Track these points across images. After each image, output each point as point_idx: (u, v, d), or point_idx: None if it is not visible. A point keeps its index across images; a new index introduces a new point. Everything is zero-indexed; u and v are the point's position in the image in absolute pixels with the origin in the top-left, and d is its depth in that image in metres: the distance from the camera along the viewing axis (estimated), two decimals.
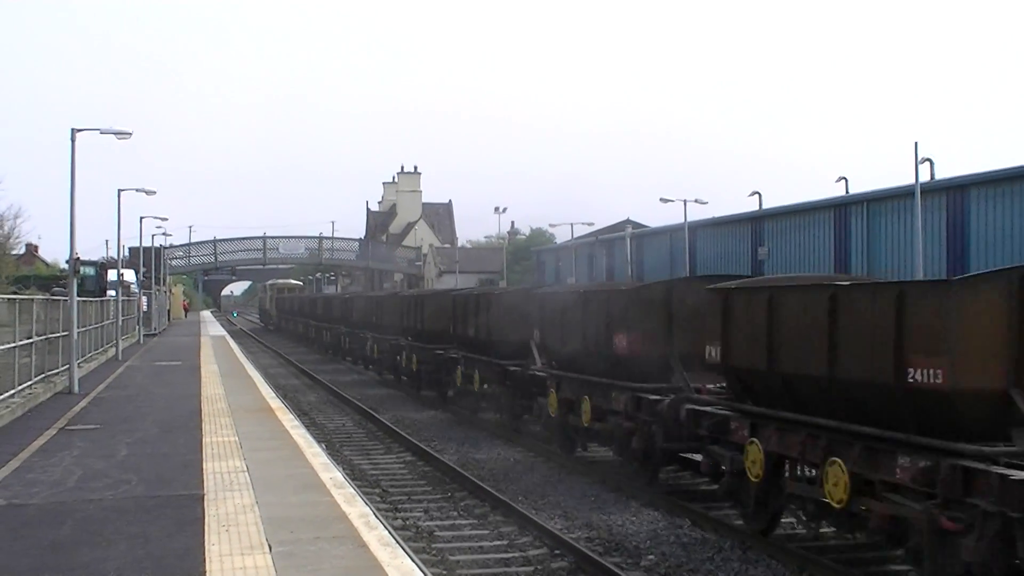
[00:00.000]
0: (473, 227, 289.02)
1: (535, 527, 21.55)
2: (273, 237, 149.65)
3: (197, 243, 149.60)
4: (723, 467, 21.19)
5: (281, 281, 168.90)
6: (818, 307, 17.95)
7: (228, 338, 79.71)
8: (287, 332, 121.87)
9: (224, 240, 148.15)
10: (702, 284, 23.43)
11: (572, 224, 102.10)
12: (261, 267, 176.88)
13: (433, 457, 30.14)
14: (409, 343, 48.86)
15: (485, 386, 36.63)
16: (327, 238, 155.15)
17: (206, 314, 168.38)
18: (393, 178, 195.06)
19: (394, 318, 54.78)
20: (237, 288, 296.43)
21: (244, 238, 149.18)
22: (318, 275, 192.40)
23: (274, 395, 34.91)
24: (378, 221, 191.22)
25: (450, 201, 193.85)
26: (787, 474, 19.64)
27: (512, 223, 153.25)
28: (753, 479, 20.05)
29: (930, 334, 15.72)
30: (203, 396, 34.22)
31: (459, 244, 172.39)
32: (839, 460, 17.54)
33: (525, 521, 22.11)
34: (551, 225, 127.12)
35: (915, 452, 16.18)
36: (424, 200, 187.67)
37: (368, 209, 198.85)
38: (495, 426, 35.63)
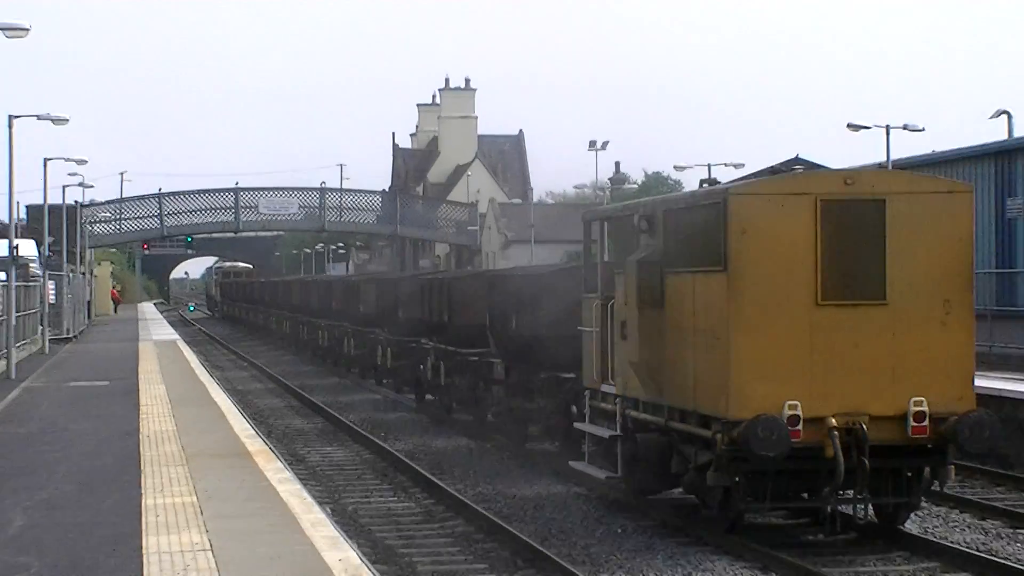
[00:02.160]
0: (556, 173, 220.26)
1: None
2: (251, 189, 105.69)
3: (134, 199, 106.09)
4: None
5: (228, 264, 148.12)
6: None
7: (181, 344, 59.47)
8: (239, 322, 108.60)
9: (175, 195, 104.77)
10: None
11: (709, 166, 65.84)
12: (233, 235, 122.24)
13: (502, 529, 20.78)
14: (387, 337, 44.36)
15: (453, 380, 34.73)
16: (332, 190, 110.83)
17: (147, 307, 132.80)
18: (433, 98, 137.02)
19: (369, 306, 49.34)
20: (195, 268, 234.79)
21: (206, 191, 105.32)
22: (319, 247, 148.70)
23: (252, 429, 25.96)
24: (411, 164, 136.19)
25: (520, 133, 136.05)
26: None
27: (617, 166, 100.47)
28: None
29: None
30: (144, 434, 24.57)
31: (534, 199, 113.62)
32: None
33: None
34: (677, 168, 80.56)
35: None
36: (481, 131, 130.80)
37: (395, 147, 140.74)
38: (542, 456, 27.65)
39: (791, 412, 18.47)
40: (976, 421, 18.71)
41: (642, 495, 22.11)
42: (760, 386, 18.51)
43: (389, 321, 44.17)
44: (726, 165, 65.66)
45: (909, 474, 19.49)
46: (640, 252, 20.86)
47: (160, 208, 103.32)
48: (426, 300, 37.51)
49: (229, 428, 25.86)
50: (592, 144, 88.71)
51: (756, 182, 19.61)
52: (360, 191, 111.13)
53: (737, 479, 18.97)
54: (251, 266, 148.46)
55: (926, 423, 18.76)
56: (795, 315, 18.67)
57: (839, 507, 19.28)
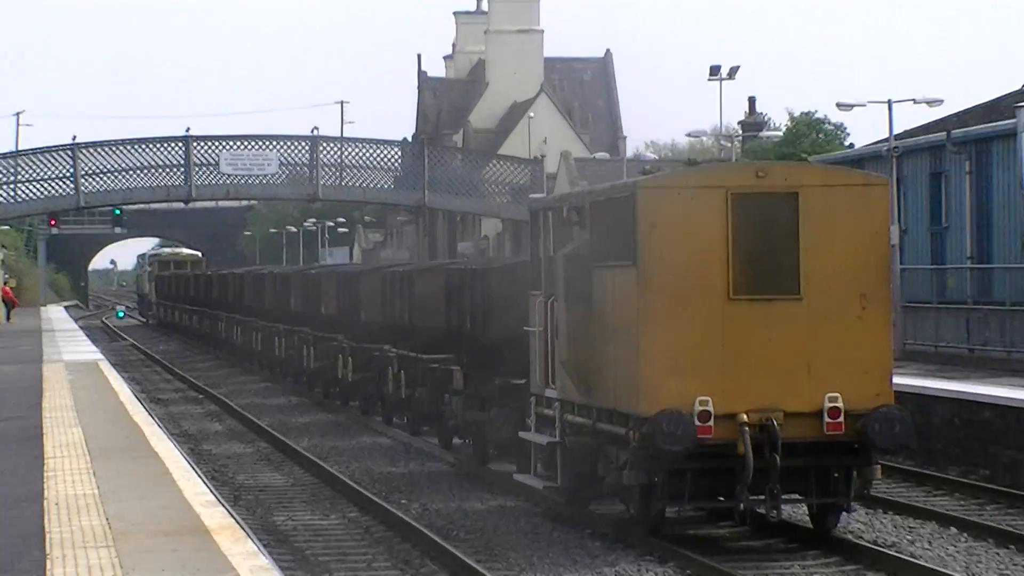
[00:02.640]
0: (660, 114, 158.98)
1: None
2: (208, 139, 72.80)
3: (35, 152, 71.98)
4: None
5: (167, 251, 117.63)
6: None
7: (106, 367, 43.07)
8: (182, 332, 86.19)
9: (98, 146, 71.64)
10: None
11: (890, 102, 43.13)
12: (184, 206, 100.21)
13: None
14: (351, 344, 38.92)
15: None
16: (329, 140, 75.88)
17: (56, 312, 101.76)
18: (478, 3, 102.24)
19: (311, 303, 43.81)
20: (125, 255, 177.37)
21: (143, 141, 72.02)
22: (310, 224, 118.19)
23: (211, 492, 18.35)
24: (445, 102, 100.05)
25: (607, 55, 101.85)
26: None
27: (751, 103, 74.42)
28: None
29: None
30: (51, 500, 17.04)
31: (628, 152, 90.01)
32: None
33: None
34: (841, 107, 48.22)
35: None
36: (550, 53, 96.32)
37: (422, 76, 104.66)
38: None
39: (702, 408, 18.31)
40: (886, 416, 18.47)
41: (576, 503, 21.82)
42: (670, 381, 18.36)
43: (351, 324, 39.31)
44: (915, 102, 45.60)
45: (836, 474, 19.19)
46: (569, 246, 20.69)
47: (74, 166, 70.03)
48: (388, 298, 34.42)
49: (177, 491, 17.68)
50: (714, 71, 61.06)
51: (666, 175, 19.54)
52: (370, 141, 76.24)
53: (656, 479, 18.75)
54: (199, 253, 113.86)
55: (841, 419, 18.50)
56: (706, 310, 18.55)
57: (754, 507, 18.97)
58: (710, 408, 18.28)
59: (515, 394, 24.97)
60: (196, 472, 21.22)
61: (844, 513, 19.91)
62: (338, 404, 41.83)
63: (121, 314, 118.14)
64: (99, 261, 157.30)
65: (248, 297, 60.16)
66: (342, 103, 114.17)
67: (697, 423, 18.24)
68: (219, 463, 30.59)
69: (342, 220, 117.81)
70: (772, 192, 18.74)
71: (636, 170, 64.57)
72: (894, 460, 25.55)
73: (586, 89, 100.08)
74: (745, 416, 18.32)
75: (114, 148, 72.71)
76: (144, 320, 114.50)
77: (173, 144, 72.86)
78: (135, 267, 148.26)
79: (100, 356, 49.42)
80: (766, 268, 18.64)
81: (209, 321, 74.07)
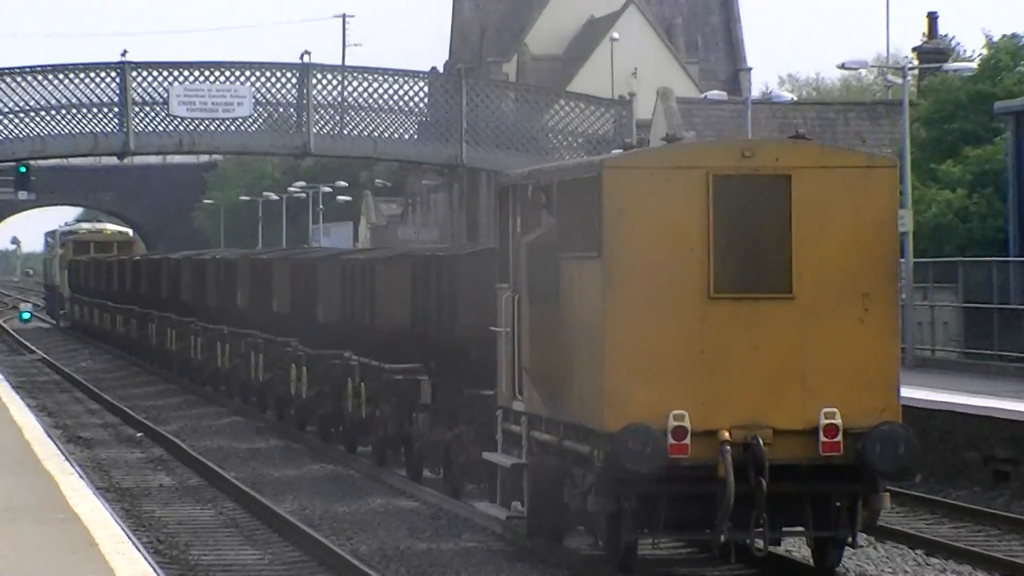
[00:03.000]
0: (796, 40, 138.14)
1: None
2: (152, 65, 54.96)
3: None
4: None
5: (85, 228, 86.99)
6: None
7: (4, 390, 34.87)
8: (103, 336, 67.98)
9: None
10: None
11: None
12: (118, 164, 74.73)
13: None
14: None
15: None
16: (326, 69, 57.33)
17: None
18: None
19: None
20: (33, 232, 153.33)
21: (59, 69, 53.42)
22: (298, 190, 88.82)
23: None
24: (491, 17, 76.46)
25: None
26: None
27: (930, 24, 58.28)
28: None
29: None
30: None
31: (752, 91, 67.27)
32: None
33: None
34: None
35: None
36: None
37: None
38: None
39: (676, 423, 15.98)
40: (888, 435, 16.10)
41: (541, 535, 19.21)
42: (639, 392, 16.08)
43: (306, 326, 33.28)
44: None
45: (838, 503, 16.76)
46: (534, 233, 18.28)
47: None
48: (347, 292, 29.55)
49: (108, 571, 12.10)
50: None
51: (638, 153, 17.13)
52: (383, 71, 57.06)
53: (625, 506, 16.37)
54: (129, 231, 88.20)
55: (839, 439, 16.11)
56: (683, 310, 16.25)
57: (739, 539, 16.55)
58: (686, 424, 16.00)
59: (485, 408, 22.24)
60: (135, 544, 14.96)
61: (849, 548, 17.45)
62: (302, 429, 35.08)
63: (27, 315, 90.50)
64: None
65: (186, 291, 47.43)
66: (344, 17, 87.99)
67: (671, 440, 15.96)
68: (167, 531, 22.20)
69: (343, 184, 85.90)
70: (760, 174, 16.44)
71: (763, 117, 52.51)
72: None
73: (694, 0, 73.09)
74: (727, 433, 16.01)
75: (19, 80, 51.78)
76: (55, 322, 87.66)
77: (103, 74, 52.73)
78: (44, 249, 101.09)
79: None
80: (753, 262, 16.41)
81: (137, 324, 57.84)
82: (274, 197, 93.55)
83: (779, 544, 17.76)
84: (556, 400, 17.67)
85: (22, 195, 69.82)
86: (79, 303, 76.62)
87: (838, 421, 16.06)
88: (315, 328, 32.52)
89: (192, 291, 46.74)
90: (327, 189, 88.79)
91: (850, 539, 16.85)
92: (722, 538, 16.30)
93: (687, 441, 15.92)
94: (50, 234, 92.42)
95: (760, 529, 16.18)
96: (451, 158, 56.85)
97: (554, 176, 18.31)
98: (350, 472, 29.18)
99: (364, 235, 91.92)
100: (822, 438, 16.06)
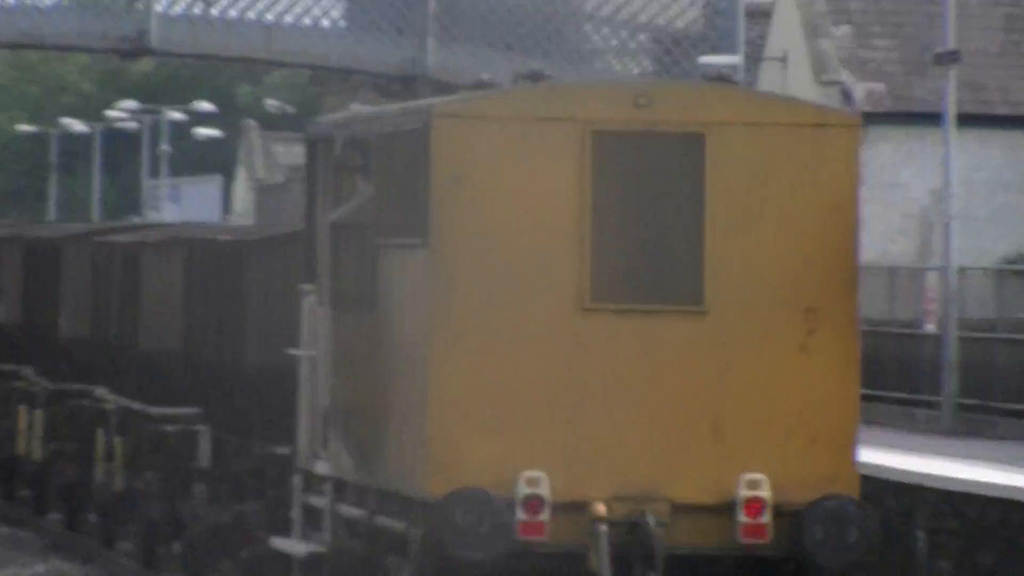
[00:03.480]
0: None
1: None
2: None
3: None
4: None
5: None
6: None
7: None
8: None
9: None
10: None
11: None
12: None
13: None
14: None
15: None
16: None
17: None
18: None
19: None
20: None
21: None
22: (127, 114, 58.44)
23: None
24: None
25: None
26: None
27: None
28: None
29: None
30: None
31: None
32: None
33: None
34: None
35: None
36: None
37: None
38: None
39: (530, 491, 11.76)
40: (835, 514, 11.91)
41: None
42: (475, 444, 11.82)
43: (44, 345, 25.72)
44: None
45: None
46: (341, 208, 13.80)
47: None
48: (100, 291, 22.83)
49: None
50: None
51: (481, 96, 12.53)
52: None
53: None
54: None
55: (766, 519, 11.90)
56: (546, 326, 11.99)
57: None
58: (544, 491, 11.76)
59: (279, 473, 17.66)
60: None
61: None
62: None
63: None
64: None
65: None
66: None
67: (520, 516, 11.73)
68: None
69: (209, 109, 54.82)
70: (662, 132, 11.98)
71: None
72: None
73: None
74: (603, 507, 11.77)
75: None
76: None
77: None
78: None
79: None
80: (648, 259, 12.14)
81: None
82: (82, 128, 58.52)
83: None
84: (368, 457, 13.24)
85: None
86: None
87: (765, 493, 11.95)
88: (56, 348, 25.03)
89: None
90: (177, 116, 55.50)
91: None
92: None
93: (544, 517, 11.77)
94: None
95: None
96: (405, 65, 38.01)
97: (374, 126, 13.52)
98: None
99: (244, 199, 59.18)
100: (742, 517, 11.94)
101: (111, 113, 57.04)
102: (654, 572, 11.58)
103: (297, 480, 15.26)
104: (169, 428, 20.60)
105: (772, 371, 12.04)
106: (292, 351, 15.26)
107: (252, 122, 54.38)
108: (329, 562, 14.12)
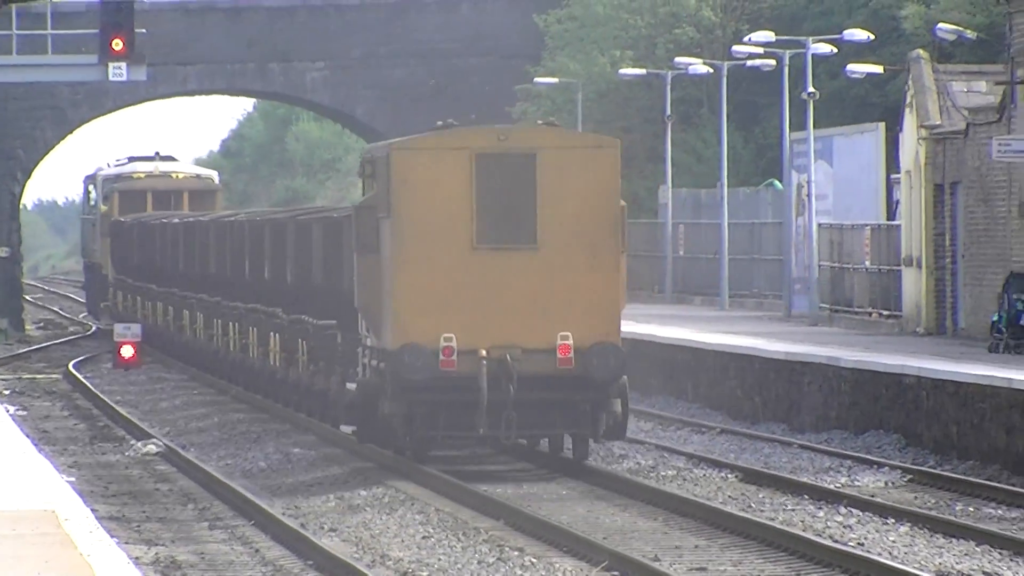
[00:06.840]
0: None
1: None
2: None
3: None
4: None
5: (143, 168, 56.60)
6: None
7: (79, 523, 12.02)
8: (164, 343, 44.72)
9: None
10: None
11: None
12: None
13: None
14: None
15: None
16: None
17: None
18: None
19: None
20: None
21: None
22: None
23: None
24: None
25: None
26: None
27: None
28: None
29: None
30: None
31: None
32: None
33: None
34: None
35: None
36: None
37: None
38: None
39: (446, 343, 20.70)
40: (603, 351, 20.82)
41: (367, 440, 23.79)
42: (416, 319, 20.93)
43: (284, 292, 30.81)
44: None
45: (586, 408, 21.29)
46: (363, 198, 23.18)
47: None
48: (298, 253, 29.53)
49: None
50: None
51: (418, 137, 21.98)
52: None
53: (415, 410, 21.14)
54: (209, 173, 61.99)
55: (571, 355, 20.89)
56: (452, 257, 21.12)
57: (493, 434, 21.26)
58: (453, 344, 20.75)
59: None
60: None
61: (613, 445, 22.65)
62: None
63: None
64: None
65: (199, 263, 37.31)
66: None
67: (441, 357, 20.67)
68: None
69: (863, 37, 40.67)
70: (512, 153, 21.26)
71: None
72: None
73: None
74: (485, 351, 20.71)
75: None
76: (97, 322, 58.58)
77: None
78: (82, 201, 69.36)
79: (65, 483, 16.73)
80: (506, 221, 21.23)
81: (174, 314, 42.39)
82: (702, 68, 46.71)
83: (537, 444, 22.62)
84: (375, 331, 22.40)
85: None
86: (123, 289, 50.61)
87: (570, 341, 20.84)
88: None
89: (208, 263, 36.98)
90: (825, 50, 37.51)
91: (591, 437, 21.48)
92: (480, 431, 21.08)
93: (454, 358, 20.75)
94: (89, 178, 61.41)
95: (509, 426, 20.86)
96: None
97: (379, 152, 23.13)
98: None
99: (912, 151, 40.49)
100: (558, 355, 20.88)
101: (739, 48, 42.98)
102: (512, 385, 20.53)
103: (360, 350, 24.08)
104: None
105: (574, 279, 20.93)
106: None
107: (922, 53, 37.64)
108: (362, 388, 22.98)
